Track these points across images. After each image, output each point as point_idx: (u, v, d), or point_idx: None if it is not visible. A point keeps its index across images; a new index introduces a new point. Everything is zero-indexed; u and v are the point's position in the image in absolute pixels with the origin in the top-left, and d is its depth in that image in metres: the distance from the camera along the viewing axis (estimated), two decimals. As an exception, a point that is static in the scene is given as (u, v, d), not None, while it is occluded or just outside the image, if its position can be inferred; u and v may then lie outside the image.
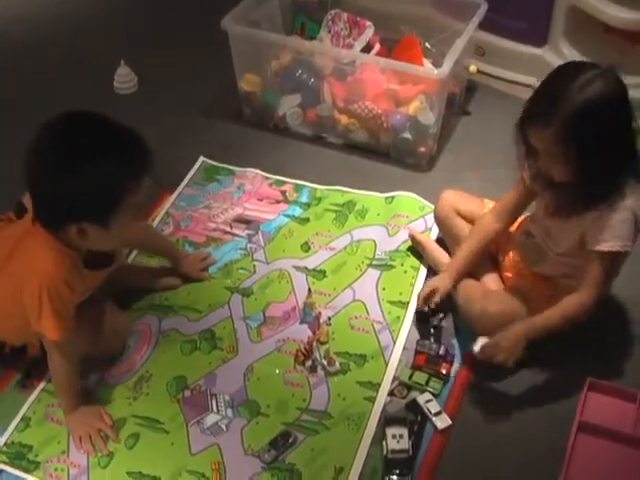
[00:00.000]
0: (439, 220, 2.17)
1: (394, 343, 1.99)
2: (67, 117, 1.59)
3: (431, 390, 1.87)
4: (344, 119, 2.62)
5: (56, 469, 1.78)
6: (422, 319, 2.05)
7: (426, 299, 2.00)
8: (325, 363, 1.94)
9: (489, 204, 2.10)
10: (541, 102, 1.67)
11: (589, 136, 1.61)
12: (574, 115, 1.59)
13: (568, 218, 1.77)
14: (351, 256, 2.23)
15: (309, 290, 2.14)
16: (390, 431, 1.78)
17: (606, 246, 1.73)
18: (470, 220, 2.09)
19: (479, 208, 2.09)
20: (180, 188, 2.50)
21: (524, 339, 1.80)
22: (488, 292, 1.96)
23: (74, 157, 1.54)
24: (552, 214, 1.83)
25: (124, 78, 2.92)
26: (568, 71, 1.67)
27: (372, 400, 1.87)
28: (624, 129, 1.65)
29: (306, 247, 2.27)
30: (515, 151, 1.78)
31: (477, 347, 1.85)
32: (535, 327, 1.81)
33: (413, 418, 1.83)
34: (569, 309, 1.80)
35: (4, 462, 1.79)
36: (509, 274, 2.03)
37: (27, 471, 1.77)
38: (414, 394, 1.88)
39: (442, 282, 1.99)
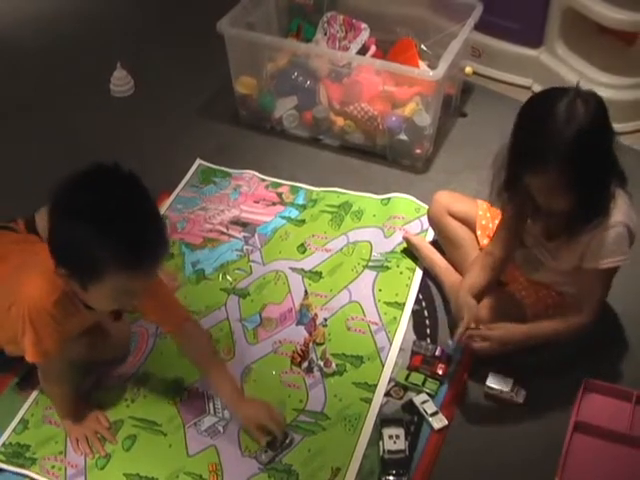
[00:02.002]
0: (432, 221, 2.17)
1: (390, 344, 2.00)
2: (105, 169, 1.49)
3: (427, 391, 1.88)
4: (340, 121, 2.62)
5: (53, 466, 1.78)
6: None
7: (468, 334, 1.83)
8: (321, 364, 1.94)
9: (482, 205, 2.10)
10: (532, 144, 1.61)
11: (589, 163, 1.58)
12: (573, 149, 1.55)
13: (566, 241, 1.76)
14: (347, 257, 2.23)
15: (305, 291, 2.14)
16: (387, 432, 1.78)
17: (605, 264, 1.74)
18: (463, 221, 2.09)
19: (472, 209, 2.10)
20: (177, 191, 2.50)
21: (515, 339, 1.82)
22: None
23: (76, 207, 1.47)
24: (548, 238, 1.82)
25: (120, 81, 2.92)
26: (543, 105, 1.62)
27: (368, 401, 1.87)
28: (611, 140, 1.62)
29: (302, 249, 2.27)
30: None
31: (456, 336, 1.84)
32: (530, 334, 1.82)
33: (409, 419, 1.83)
34: (570, 327, 1.81)
35: (1, 461, 1.79)
36: (504, 279, 2.02)
37: (24, 466, 1.78)
38: (410, 395, 1.88)
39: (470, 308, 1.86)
